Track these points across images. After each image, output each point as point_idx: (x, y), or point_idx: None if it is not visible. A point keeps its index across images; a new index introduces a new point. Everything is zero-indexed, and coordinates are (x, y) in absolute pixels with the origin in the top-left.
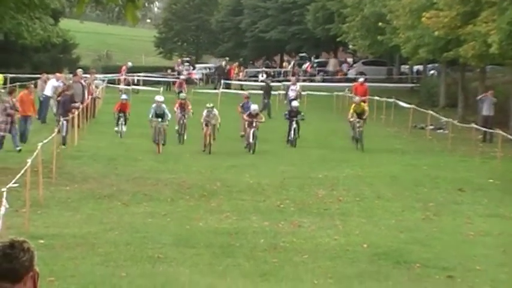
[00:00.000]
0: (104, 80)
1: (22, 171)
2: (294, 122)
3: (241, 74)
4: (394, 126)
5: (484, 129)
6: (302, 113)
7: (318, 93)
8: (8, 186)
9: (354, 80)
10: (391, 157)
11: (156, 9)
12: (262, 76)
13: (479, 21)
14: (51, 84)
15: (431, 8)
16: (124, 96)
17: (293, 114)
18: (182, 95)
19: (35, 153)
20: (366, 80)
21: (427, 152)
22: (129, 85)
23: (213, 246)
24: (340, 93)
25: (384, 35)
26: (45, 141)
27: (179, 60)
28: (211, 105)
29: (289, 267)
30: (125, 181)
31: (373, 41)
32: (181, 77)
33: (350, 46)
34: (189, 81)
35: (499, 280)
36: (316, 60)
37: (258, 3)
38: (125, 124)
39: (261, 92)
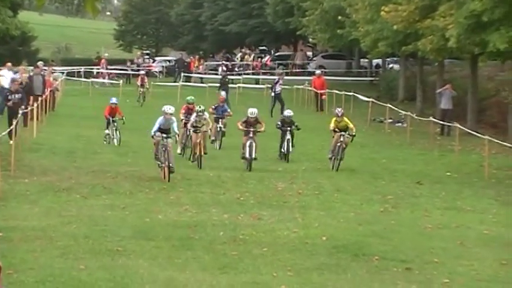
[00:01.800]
0: (63, 73)
1: None
2: (287, 133)
3: (201, 67)
4: (353, 119)
5: (442, 122)
6: (296, 123)
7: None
8: None
9: (314, 73)
10: (350, 150)
11: (115, 1)
12: (223, 69)
13: (438, 15)
14: (8, 76)
15: (390, 1)
16: (113, 100)
17: (286, 124)
18: (190, 98)
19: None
20: (323, 73)
21: (385, 146)
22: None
23: (172, 239)
24: (300, 87)
25: (344, 28)
26: (3, 133)
27: (138, 53)
28: (202, 107)
29: (249, 260)
30: (84, 174)
31: (333, 34)
32: (142, 72)
33: (310, 39)
34: (148, 74)
35: (457, 272)
36: (276, 54)
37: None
38: (118, 133)
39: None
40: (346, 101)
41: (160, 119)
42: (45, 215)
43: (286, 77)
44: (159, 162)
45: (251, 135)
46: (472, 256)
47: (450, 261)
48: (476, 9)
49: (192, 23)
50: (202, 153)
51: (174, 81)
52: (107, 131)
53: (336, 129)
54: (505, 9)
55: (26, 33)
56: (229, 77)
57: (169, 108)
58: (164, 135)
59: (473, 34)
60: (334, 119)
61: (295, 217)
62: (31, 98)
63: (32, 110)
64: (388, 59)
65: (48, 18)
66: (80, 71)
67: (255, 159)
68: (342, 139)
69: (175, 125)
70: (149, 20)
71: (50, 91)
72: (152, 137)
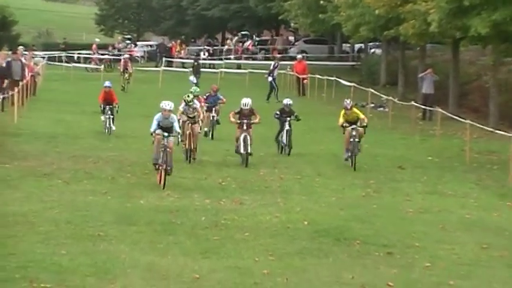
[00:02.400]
0: (44, 57)
1: None
2: (286, 124)
3: (182, 51)
4: (335, 104)
5: (423, 107)
6: (296, 113)
7: (260, 71)
8: None
9: (296, 58)
10: (332, 135)
11: None
12: (204, 54)
13: (418, 2)
14: None
15: None
16: (107, 84)
17: (285, 114)
18: (194, 88)
19: None
20: (305, 58)
21: (367, 130)
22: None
23: (154, 224)
24: (282, 71)
25: (326, 13)
26: None
27: (120, 38)
28: (191, 96)
29: (231, 245)
30: (65, 159)
31: (315, 19)
32: (125, 56)
33: (292, 24)
34: (131, 59)
35: (438, 256)
36: (258, 39)
37: None
38: (113, 122)
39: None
40: (328, 85)
41: (157, 116)
42: (27, 200)
43: (267, 62)
44: (157, 165)
45: (245, 127)
46: (453, 240)
47: (431, 245)
48: None
49: (173, 7)
50: (194, 146)
51: (156, 66)
52: (102, 118)
53: (345, 124)
54: None
55: (6, 17)
56: (200, 61)
57: (167, 104)
58: (166, 134)
59: (455, 18)
60: (342, 112)
61: (277, 202)
62: (5, 81)
63: (12, 95)
64: (370, 44)
65: (28, 2)
66: (61, 56)
67: (251, 154)
68: (354, 133)
69: (176, 124)
70: (130, 5)
71: (31, 76)
72: (151, 134)
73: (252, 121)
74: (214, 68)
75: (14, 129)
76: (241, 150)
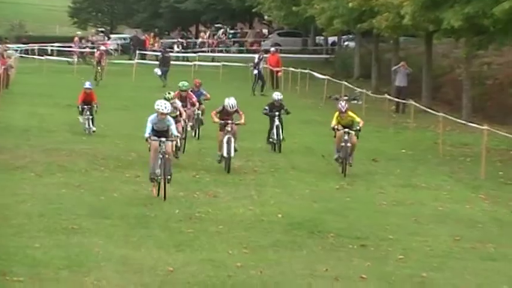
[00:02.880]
0: (17, 50)
1: None
2: (276, 119)
3: (156, 44)
4: (309, 97)
5: (397, 100)
6: (286, 107)
7: (234, 64)
8: None
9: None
10: (306, 128)
11: None
12: (178, 47)
13: None
14: None
15: None
16: (87, 85)
17: (275, 109)
18: (183, 83)
19: None
20: (278, 51)
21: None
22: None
23: (127, 217)
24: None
25: (299, 5)
26: None
27: (93, 30)
28: (171, 94)
29: (205, 238)
30: (38, 152)
31: (288, 11)
32: (102, 48)
33: (265, 17)
34: (107, 51)
35: (411, 248)
36: (232, 31)
37: None
38: (93, 122)
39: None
40: (302, 78)
41: (152, 118)
42: (2, 193)
43: (241, 55)
44: (154, 177)
45: (229, 129)
46: (426, 232)
47: (405, 237)
48: None
49: (147, 3)
50: (176, 153)
51: (130, 59)
52: (81, 119)
53: (338, 127)
54: None
55: None
56: (169, 54)
57: (164, 107)
58: (163, 139)
59: (428, 11)
60: (336, 114)
61: (251, 195)
62: None
63: None
64: (343, 37)
65: None
66: (33, 49)
67: (236, 150)
68: (346, 137)
69: (173, 127)
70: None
71: (4, 69)
72: (146, 140)
73: (237, 122)
74: (188, 60)
75: None
76: (225, 154)
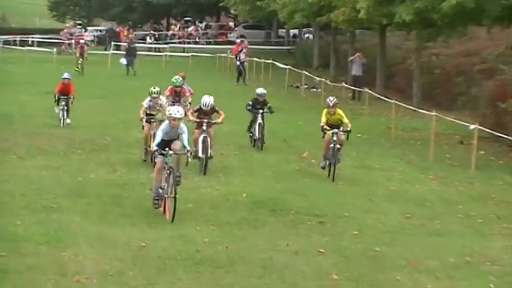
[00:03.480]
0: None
1: None
2: (259, 116)
3: (130, 36)
4: (272, 85)
5: (353, 88)
6: (269, 104)
7: (203, 54)
8: None
9: (235, 42)
10: (269, 114)
11: None
12: (150, 39)
13: None
14: None
15: None
16: (66, 75)
17: (259, 105)
18: (176, 78)
19: None
20: (243, 42)
21: (302, 109)
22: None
23: (103, 196)
24: (223, 55)
25: (263, 0)
26: None
27: (71, 23)
28: (157, 89)
29: (175, 215)
30: (20, 135)
31: (253, 6)
32: (82, 41)
33: (232, 11)
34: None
35: (365, 225)
36: (200, 24)
37: None
38: (68, 114)
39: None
40: (265, 68)
41: (164, 126)
42: None
43: (208, 46)
44: (157, 194)
45: (205, 128)
46: (379, 210)
47: (360, 215)
48: None
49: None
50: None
51: (105, 50)
52: (56, 110)
53: (327, 127)
54: None
55: None
56: (136, 44)
57: (177, 111)
58: (170, 153)
59: (382, 6)
60: (325, 111)
61: (218, 176)
62: None
63: None
64: (304, 29)
65: None
66: (15, 40)
67: (211, 157)
68: (335, 138)
69: (185, 136)
70: None
71: None
72: (154, 152)
73: (213, 121)
74: (159, 51)
75: None
76: (200, 154)
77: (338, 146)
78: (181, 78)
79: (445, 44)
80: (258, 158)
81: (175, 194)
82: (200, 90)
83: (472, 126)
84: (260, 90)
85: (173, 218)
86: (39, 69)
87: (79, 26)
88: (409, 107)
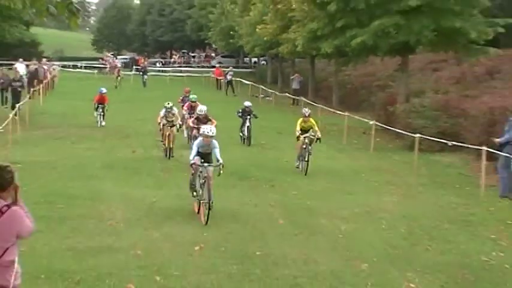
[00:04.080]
0: (59, 65)
1: (6, 122)
2: (247, 121)
3: (145, 62)
4: (240, 95)
5: (293, 97)
6: (254, 112)
7: (194, 74)
8: None
9: (214, 66)
10: (233, 116)
11: (92, 21)
12: (159, 64)
13: (291, 31)
14: (21, 67)
15: (262, 22)
16: (103, 90)
17: (246, 113)
18: (193, 96)
19: (13, 111)
20: (220, 66)
21: (259, 111)
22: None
23: (127, 168)
24: (207, 75)
25: (234, 39)
26: (21, 103)
27: (107, 53)
28: (171, 104)
29: (175, 181)
30: (72, 128)
31: (227, 42)
32: (118, 64)
33: (213, 45)
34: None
35: (301, 187)
36: (192, 54)
37: (156, 19)
38: (103, 118)
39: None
40: (236, 83)
41: (198, 141)
42: (48, 154)
43: (198, 69)
44: (194, 193)
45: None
46: (310, 178)
47: (297, 181)
48: (313, 28)
49: (139, 35)
50: (172, 145)
51: (130, 71)
52: (95, 114)
53: (300, 135)
54: (329, 28)
55: (34, 40)
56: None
57: (209, 131)
58: (206, 164)
59: (312, 43)
60: (300, 120)
61: None
62: (35, 81)
63: (38, 89)
64: (261, 58)
65: (49, 31)
66: (69, 65)
67: None
68: (307, 141)
69: (217, 151)
70: (113, 33)
71: (51, 77)
72: (191, 165)
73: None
74: (165, 72)
75: (40, 110)
76: None
77: (310, 146)
78: (196, 96)
79: (354, 68)
80: (231, 145)
81: (210, 200)
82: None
83: (371, 122)
84: (247, 103)
85: (207, 220)
86: (85, 84)
87: (112, 55)
88: (330, 109)
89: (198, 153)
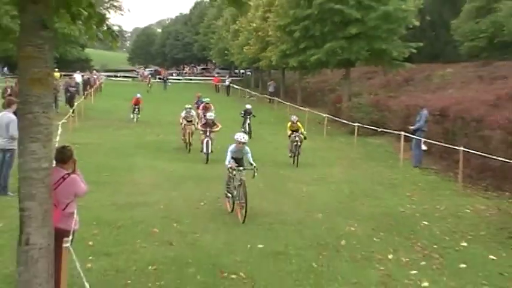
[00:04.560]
0: (104, 75)
1: (67, 116)
2: (248, 119)
3: (165, 73)
4: (232, 96)
5: (269, 97)
6: (253, 113)
7: (199, 81)
8: (61, 121)
9: (215, 75)
10: (229, 110)
11: (127, 44)
12: (175, 74)
13: (268, 51)
14: (78, 76)
15: (247, 44)
16: (138, 95)
17: (247, 113)
18: (206, 99)
19: (72, 108)
20: (218, 75)
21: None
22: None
23: (152, 148)
24: (210, 81)
25: (228, 56)
26: (78, 101)
27: (138, 66)
28: (189, 106)
29: (186, 156)
30: (113, 119)
31: (223, 58)
32: (145, 73)
33: (213, 61)
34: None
35: (276, 161)
36: (200, 67)
37: (173, 42)
38: (139, 114)
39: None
40: (229, 88)
41: (231, 147)
42: (98, 138)
43: (202, 77)
44: (229, 194)
45: (208, 134)
46: (281, 155)
47: (274, 157)
48: (283, 48)
49: (161, 53)
50: (191, 141)
51: (154, 79)
52: (131, 115)
53: (290, 133)
54: (295, 49)
55: (88, 58)
56: (169, 77)
57: (242, 137)
58: (241, 168)
59: (283, 59)
60: (289, 124)
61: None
62: (88, 86)
63: (90, 92)
64: (247, 69)
65: (97, 51)
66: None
67: (212, 152)
68: (297, 138)
69: (250, 156)
70: (142, 52)
71: (99, 83)
72: (228, 169)
73: (213, 130)
74: (179, 80)
75: (91, 107)
76: (204, 150)
77: (299, 143)
78: (209, 99)
79: (312, 76)
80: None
81: (246, 201)
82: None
83: (324, 115)
84: (248, 106)
85: (244, 219)
86: (122, 89)
87: (142, 68)
88: (295, 106)
89: (232, 158)
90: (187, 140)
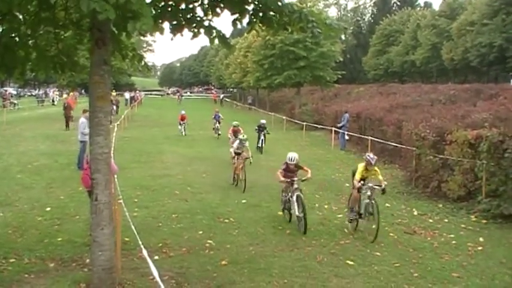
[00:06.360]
0: (143, 93)
1: (119, 120)
2: (262, 134)
3: (181, 91)
4: (225, 107)
5: (249, 106)
6: (267, 128)
7: (199, 97)
8: (117, 123)
9: (213, 92)
10: (223, 115)
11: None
12: (188, 92)
13: (247, 76)
14: (127, 94)
15: (234, 72)
16: (183, 112)
17: (261, 128)
18: (235, 122)
19: (123, 116)
20: (216, 93)
21: (233, 114)
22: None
23: (175, 139)
24: (210, 97)
25: (222, 80)
26: (126, 111)
27: (166, 87)
28: (245, 136)
29: (196, 144)
30: (149, 121)
31: (219, 82)
32: (178, 93)
33: (213, 83)
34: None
35: (259, 159)
36: (204, 87)
37: (187, 72)
38: (185, 129)
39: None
40: (224, 102)
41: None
42: (139, 133)
43: (205, 94)
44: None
45: (295, 184)
46: (266, 153)
47: (256, 155)
48: (257, 75)
49: (179, 79)
50: (244, 177)
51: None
52: (179, 127)
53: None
54: (264, 75)
55: (132, 82)
56: (183, 93)
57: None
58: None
59: (257, 82)
60: (362, 166)
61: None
62: (133, 100)
63: (135, 104)
64: (234, 88)
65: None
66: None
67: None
68: (369, 193)
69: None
70: (167, 78)
71: (141, 99)
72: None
73: (302, 178)
74: (190, 96)
75: (135, 113)
76: (241, 177)
77: (374, 199)
78: (238, 123)
79: (276, 93)
80: (201, 142)
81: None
82: (200, 118)
83: (284, 117)
84: (263, 121)
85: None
86: (156, 102)
87: (170, 88)
88: (265, 111)
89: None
90: (241, 177)
